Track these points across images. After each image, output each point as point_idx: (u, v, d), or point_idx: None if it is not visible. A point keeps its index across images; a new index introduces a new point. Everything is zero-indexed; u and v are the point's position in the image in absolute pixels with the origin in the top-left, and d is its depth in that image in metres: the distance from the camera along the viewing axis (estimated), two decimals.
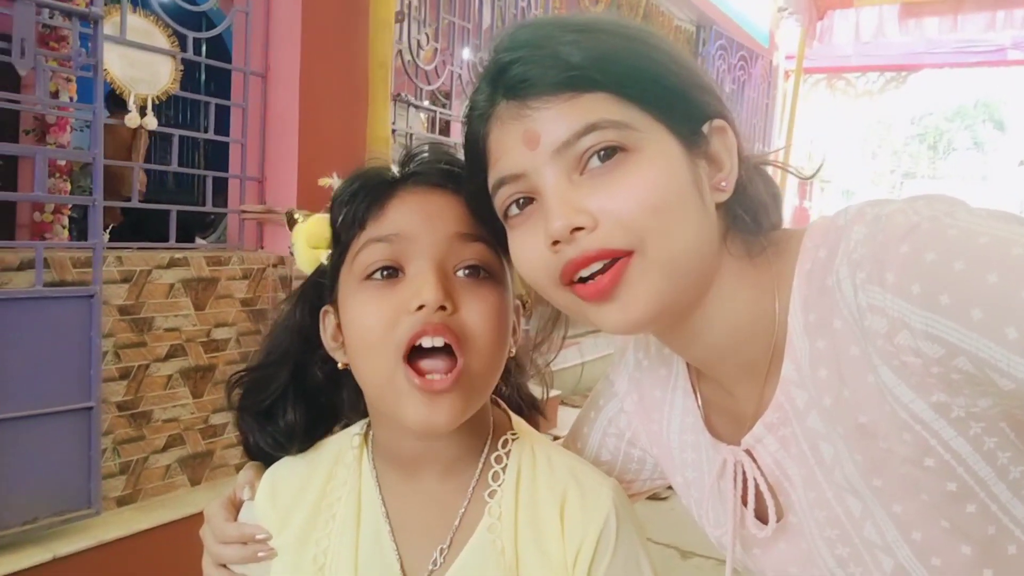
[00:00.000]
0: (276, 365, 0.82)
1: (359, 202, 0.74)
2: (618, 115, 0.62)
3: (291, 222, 0.84)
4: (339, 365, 0.77)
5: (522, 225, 0.67)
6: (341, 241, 0.76)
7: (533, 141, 0.63)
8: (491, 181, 0.68)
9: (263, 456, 0.85)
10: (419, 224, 0.72)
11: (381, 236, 0.72)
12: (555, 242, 0.63)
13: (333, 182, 0.81)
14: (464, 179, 0.73)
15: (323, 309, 0.79)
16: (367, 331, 0.71)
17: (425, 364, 0.69)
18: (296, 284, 0.86)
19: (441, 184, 0.75)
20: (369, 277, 0.72)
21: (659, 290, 0.63)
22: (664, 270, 0.63)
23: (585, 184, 0.63)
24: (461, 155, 0.74)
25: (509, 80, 0.65)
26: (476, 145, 0.69)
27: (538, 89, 0.63)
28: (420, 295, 0.68)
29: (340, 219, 0.75)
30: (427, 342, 0.68)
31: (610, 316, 0.64)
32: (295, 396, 0.82)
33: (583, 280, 0.64)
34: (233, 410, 0.84)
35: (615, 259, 0.63)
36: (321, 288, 0.80)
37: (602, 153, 0.62)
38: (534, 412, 0.88)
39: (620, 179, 0.62)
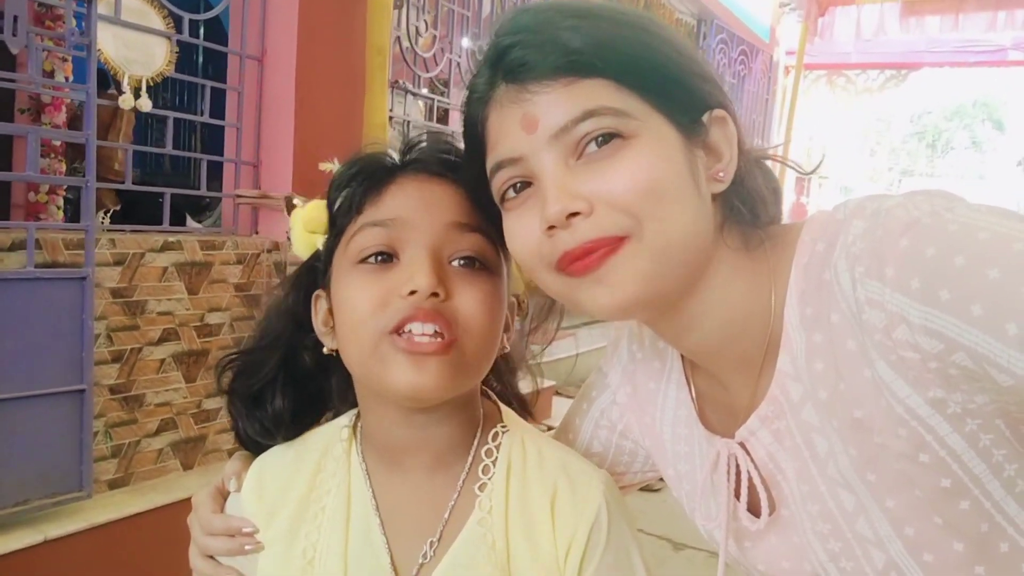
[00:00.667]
0: (267, 349, 0.82)
1: (357, 186, 0.74)
2: (616, 102, 0.62)
3: (290, 207, 0.83)
4: (325, 350, 0.77)
5: (518, 208, 0.67)
6: (337, 225, 0.75)
7: (531, 125, 0.63)
8: (489, 165, 0.68)
9: (252, 444, 0.84)
10: (416, 210, 0.72)
11: (377, 220, 0.72)
12: (550, 227, 0.63)
13: (334, 167, 0.80)
14: (463, 164, 0.73)
15: (315, 294, 0.79)
16: (355, 311, 0.70)
17: (414, 326, 0.68)
18: (291, 270, 0.86)
19: (440, 173, 0.75)
20: (363, 261, 0.72)
21: (648, 274, 0.63)
22: (656, 255, 0.62)
23: (581, 169, 0.63)
24: (460, 143, 0.74)
25: (508, 64, 0.65)
26: (475, 129, 0.69)
27: (537, 73, 0.63)
28: (413, 280, 0.68)
29: (337, 203, 0.75)
30: (417, 328, 0.68)
31: (598, 298, 0.64)
32: (284, 382, 0.82)
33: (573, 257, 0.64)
34: (222, 393, 0.83)
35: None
36: (315, 273, 0.80)
37: (599, 139, 0.62)
38: (523, 412, 0.87)
39: (616, 165, 0.62)
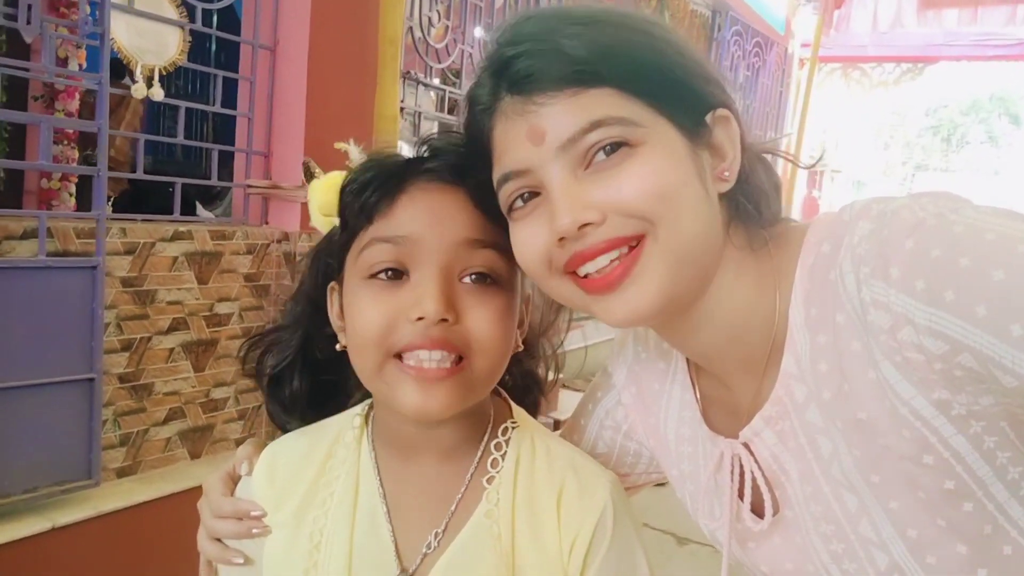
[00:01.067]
0: (289, 330, 0.84)
1: (369, 195, 0.73)
2: (623, 111, 0.62)
3: (308, 174, 0.84)
4: (338, 346, 0.77)
5: (526, 218, 0.67)
6: (349, 226, 0.75)
7: (538, 137, 0.63)
8: (496, 176, 0.68)
9: (279, 422, 0.86)
10: (427, 227, 0.71)
11: (387, 237, 0.71)
12: (561, 238, 0.63)
13: (349, 148, 0.79)
14: (468, 173, 0.73)
15: (330, 285, 0.79)
16: (365, 331, 0.71)
17: (421, 353, 0.69)
18: (301, 261, 0.87)
19: (453, 181, 0.74)
20: (373, 276, 0.71)
21: (666, 282, 0.63)
22: (673, 259, 0.63)
23: (590, 179, 0.63)
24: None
25: (513, 75, 0.64)
26: (480, 140, 0.69)
27: (543, 84, 0.63)
28: (421, 306, 0.68)
29: (349, 208, 0.75)
30: (424, 355, 0.69)
31: (617, 309, 0.64)
32: (302, 365, 0.83)
33: (587, 275, 0.64)
34: (246, 374, 0.85)
35: (623, 251, 0.63)
36: (331, 258, 0.80)
37: (607, 148, 0.62)
38: (536, 393, 0.88)
39: (625, 172, 0.62)
